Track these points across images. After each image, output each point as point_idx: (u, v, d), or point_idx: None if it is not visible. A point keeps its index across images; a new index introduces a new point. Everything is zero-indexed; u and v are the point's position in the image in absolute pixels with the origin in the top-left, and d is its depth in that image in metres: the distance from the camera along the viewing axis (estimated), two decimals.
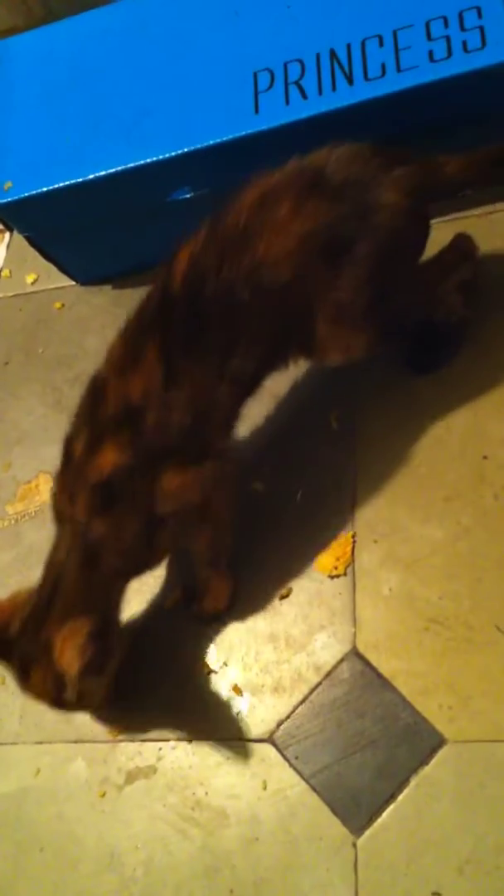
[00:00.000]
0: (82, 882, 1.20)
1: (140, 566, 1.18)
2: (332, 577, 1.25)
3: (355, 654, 1.20)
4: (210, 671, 1.26)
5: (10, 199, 1.37)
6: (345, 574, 1.24)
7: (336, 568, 1.25)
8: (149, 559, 1.19)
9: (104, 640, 1.10)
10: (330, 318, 1.12)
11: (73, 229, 1.46)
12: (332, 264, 1.09)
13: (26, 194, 1.36)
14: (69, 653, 1.06)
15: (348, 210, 1.08)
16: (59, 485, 1.15)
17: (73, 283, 1.62)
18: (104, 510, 1.10)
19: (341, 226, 1.08)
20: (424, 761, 1.12)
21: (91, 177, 1.33)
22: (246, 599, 1.27)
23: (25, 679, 1.13)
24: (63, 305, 1.62)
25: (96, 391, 1.13)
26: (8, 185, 1.36)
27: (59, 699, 1.11)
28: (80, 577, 1.11)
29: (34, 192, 1.36)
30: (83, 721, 1.27)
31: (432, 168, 1.14)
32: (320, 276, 1.09)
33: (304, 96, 1.27)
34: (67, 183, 1.34)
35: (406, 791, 1.12)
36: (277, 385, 1.34)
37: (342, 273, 1.09)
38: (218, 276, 1.08)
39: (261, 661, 1.24)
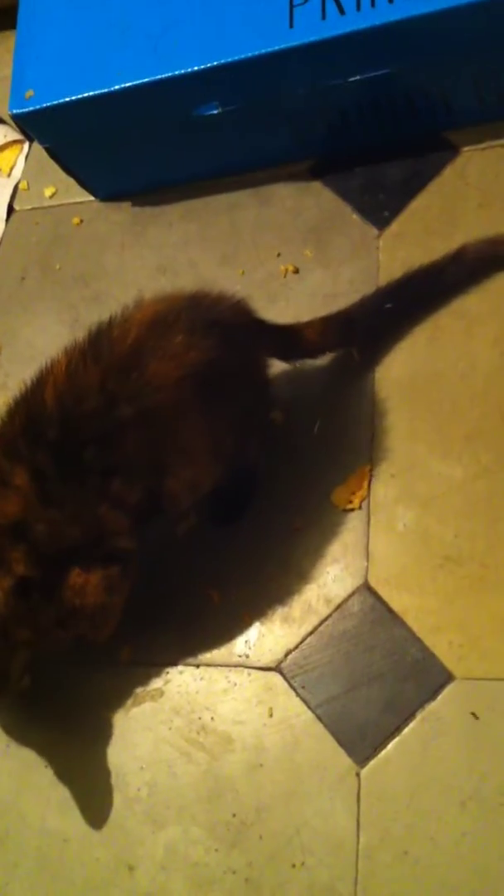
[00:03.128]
0: (87, 803, 1.21)
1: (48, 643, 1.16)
2: (346, 511, 1.24)
3: (367, 588, 1.20)
4: (220, 598, 1.25)
5: (30, 108, 1.32)
6: (360, 508, 1.23)
7: (351, 501, 1.24)
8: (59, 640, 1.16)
9: None
10: (193, 451, 1.10)
11: (95, 142, 1.42)
12: (206, 402, 1.07)
13: (48, 104, 1.31)
14: None
15: (233, 354, 1.09)
16: None
17: (93, 198, 1.58)
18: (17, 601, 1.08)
19: (223, 367, 1.08)
20: (431, 697, 1.12)
21: (115, 88, 1.29)
22: (259, 529, 1.26)
23: None
24: (81, 221, 1.57)
25: None
26: (29, 93, 1.32)
27: None
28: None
29: (56, 101, 1.31)
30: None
31: (295, 332, 1.25)
32: (193, 411, 1.07)
33: (342, 11, 1.21)
34: (90, 93, 1.30)
35: (412, 725, 1.12)
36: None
37: (213, 410, 1.08)
38: (99, 393, 1.02)
39: (271, 590, 1.24)
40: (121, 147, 1.43)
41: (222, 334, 1.08)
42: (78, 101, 1.30)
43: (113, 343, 1.05)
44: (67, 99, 1.30)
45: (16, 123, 1.35)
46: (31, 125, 1.36)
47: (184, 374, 1.04)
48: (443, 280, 1.28)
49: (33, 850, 1.22)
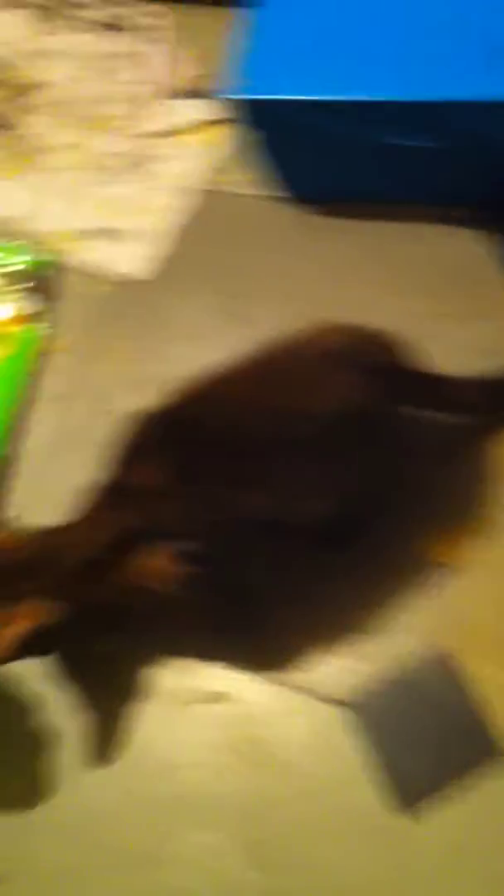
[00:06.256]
0: (137, 783, 1.23)
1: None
2: (440, 566, 1.23)
3: (447, 647, 1.19)
4: (300, 622, 1.25)
5: (250, 97, 1.31)
6: (454, 565, 1.23)
7: (446, 557, 1.23)
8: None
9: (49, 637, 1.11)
10: (320, 483, 1.10)
11: (300, 144, 1.40)
12: (349, 442, 1.08)
13: (267, 96, 1.31)
14: (9, 635, 1.08)
15: (391, 403, 1.11)
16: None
17: (279, 195, 1.56)
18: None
19: (378, 414, 1.10)
20: (493, 772, 1.12)
21: (352, 99, 1.27)
22: (352, 564, 1.25)
23: None
24: (262, 215, 1.56)
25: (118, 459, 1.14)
26: (251, 82, 1.30)
27: None
28: (75, 571, 1.12)
29: (276, 96, 1.30)
30: None
31: (457, 388, 1.22)
32: (334, 447, 1.07)
33: None
34: (312, 97, 1.29)
35: (465, 794, 1.12)
36: None
37: (352, 452, 1.09)
38: (259, 407, 1.05)
39: (352, 623, 1.24)
40: (323, 154, 1.41)
41: (386, 384, 1.10)
42: (297, 101, 1.29)
43: (285, 363, 1.06)
44: (288, 97, 1.29)
45: (232, 107, 1.34)
46: (247, 113, 1.35)
47: (340, 411, 1.06)
48: None
49: (70, 816, 1.23)
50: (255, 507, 1.07)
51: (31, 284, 1.62)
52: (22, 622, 1.08)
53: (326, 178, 1.48)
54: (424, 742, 1.15)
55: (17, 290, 1.62)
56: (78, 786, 1.24)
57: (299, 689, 1.22)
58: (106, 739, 1.25)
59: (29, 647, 1.08)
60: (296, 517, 1.11)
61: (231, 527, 1.08)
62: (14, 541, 1.17)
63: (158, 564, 1.09)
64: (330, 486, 1.10)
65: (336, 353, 1.07)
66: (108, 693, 1.28)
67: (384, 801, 1.14)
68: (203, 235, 1.60)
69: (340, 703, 1.20)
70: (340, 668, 1.22)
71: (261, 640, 1.25)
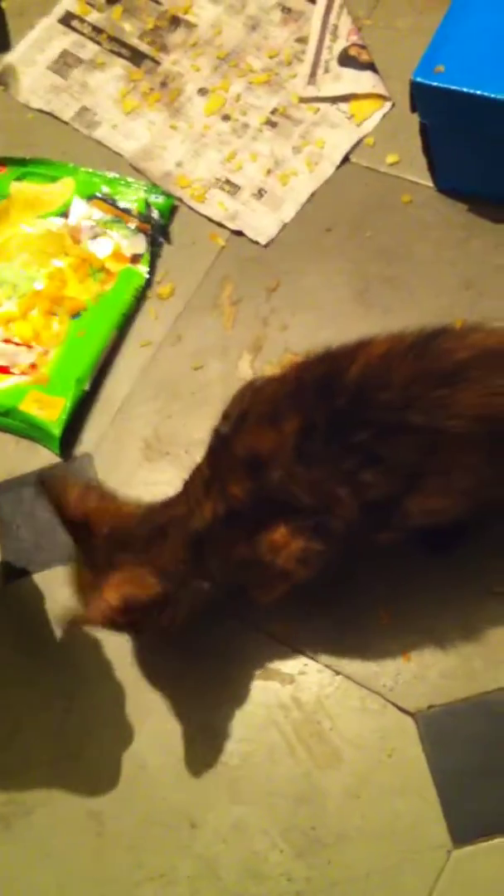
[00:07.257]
0: (178, 744, 1.22)
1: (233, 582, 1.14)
2: None
3: None
4: (389, 622, 1.23)
5: (435, 84, 1.27)
6: None
7: None
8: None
9: (157, 610, 1.09)
10: (452, 486, 1.05)
11: (472, 140, 1.36)
12: (492, 449, 1.03)
13: (454, 87, 1.26)
14: (111, 601, 1.05)
15: None
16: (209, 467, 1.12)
17: (430, 184, 1.52)
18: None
19: None
20: None
21: None
22: (457, 577, 1.23)
23: (76, 583, 1.15)
24: (411, 201, 1.52)
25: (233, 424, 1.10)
26: (440, 68, 1.26)
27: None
28: (183, 548, 1.09)
29: (463, 88, 1.25)
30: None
31: None
32: (475, 450, 1.03)
33: None
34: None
35: None
36: None
37: (494, 460, 1.04)
38: (401, 390, 1.01)
39: (442, 639, 1.21)
40: (492, 153, 1.37)
41: None
42: (486, 98, 1.24)
43: (440, 353, 1.03)
44: (477, 92, 1.24)
45: (410, 89, 1.30)
46: (425, 98, 1.31)
47: (487, 415, 1.01)
48: None
49: (112, 763, 1.23)
50: (372, 491, 1.04)
51: (138, 224, 1.59)
52: (123, 587, 1.06)
53: (493, 177, 1.44)
54: (498, 779, 1.13)
55: (122, 228, 1.59)
56: (127, 736, 1.24)
57: (373, 689, 1.20)
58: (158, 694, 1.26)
59: (127, 615, 1.06)
60: (408, 511, 1.08)
61: (347, 506, 1.05)
62: (124, 511, 1.15)
63: (295, 542, 1.06)
64: (454, 490, 1.07)
65: (496, 355, 1.03)
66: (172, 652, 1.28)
67: (437, 825, 1.12)
68: (337, 208, 1.55)
69: (410, 713, 1.18)
70: (420, 678, 1.20)
71: (343, 631, 1.24)
